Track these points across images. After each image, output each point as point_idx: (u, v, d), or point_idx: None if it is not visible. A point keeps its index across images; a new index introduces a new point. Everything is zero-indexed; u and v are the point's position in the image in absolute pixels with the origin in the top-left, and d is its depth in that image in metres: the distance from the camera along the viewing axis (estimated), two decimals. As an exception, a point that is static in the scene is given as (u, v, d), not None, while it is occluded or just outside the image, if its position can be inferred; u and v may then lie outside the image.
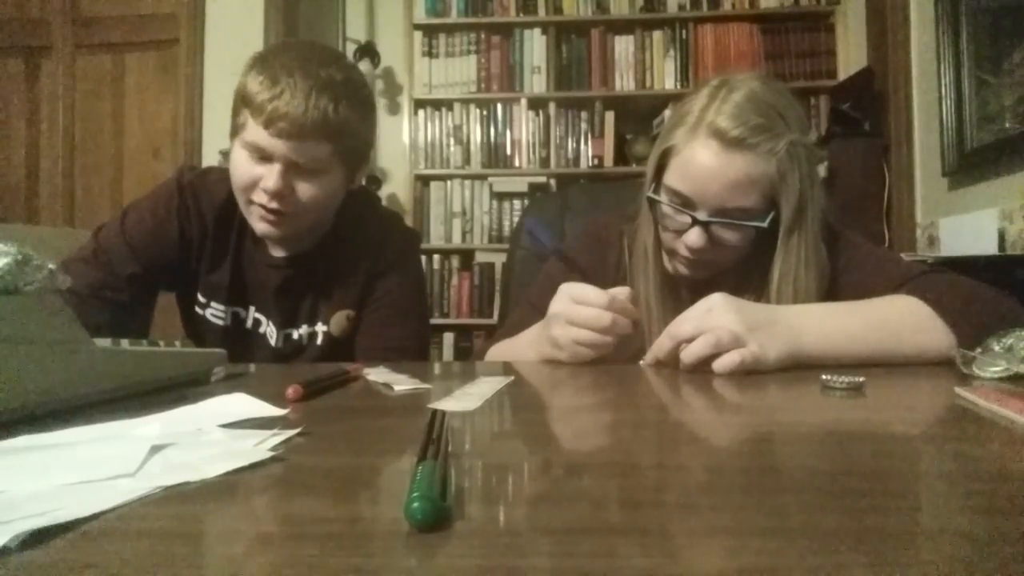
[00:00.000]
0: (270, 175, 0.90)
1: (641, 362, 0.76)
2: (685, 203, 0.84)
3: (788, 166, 0.81)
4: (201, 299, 1.04)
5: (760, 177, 0.80)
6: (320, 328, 1.06)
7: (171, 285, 1.06)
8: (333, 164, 0.95)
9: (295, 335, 1.06)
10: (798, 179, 0.81)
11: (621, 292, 0.75)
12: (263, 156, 0.91)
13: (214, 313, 1.04)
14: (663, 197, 0.86)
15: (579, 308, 0.74)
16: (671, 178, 0.85)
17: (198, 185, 1.03)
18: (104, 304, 0.95)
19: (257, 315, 1.06)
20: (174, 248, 1.01)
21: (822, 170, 2.35)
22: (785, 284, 0.84)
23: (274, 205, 0.92)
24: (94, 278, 0.96)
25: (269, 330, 1.05)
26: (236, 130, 0.94)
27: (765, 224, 0.82)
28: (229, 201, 1.02)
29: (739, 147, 0.79)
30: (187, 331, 1.10)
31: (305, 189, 0.93)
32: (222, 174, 1.05)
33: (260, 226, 0.95)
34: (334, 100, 0.91)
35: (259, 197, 0.93)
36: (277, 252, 1.05)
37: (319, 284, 1.05)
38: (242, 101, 0.92)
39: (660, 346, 0.72)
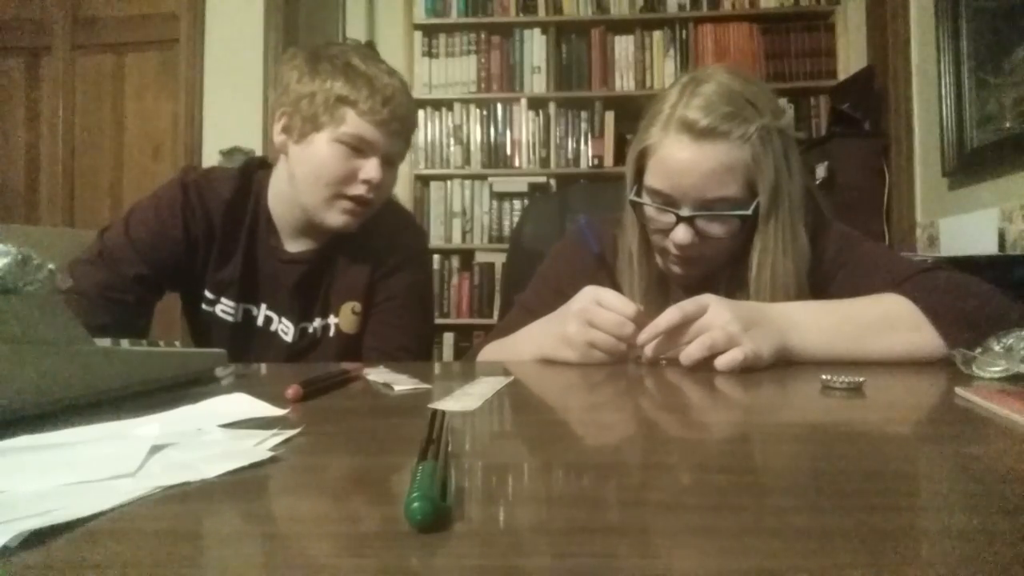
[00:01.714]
0: (371, 167, 0.98)
1: (640, 338, 0.74)
2: (667, 201, 0.84)
3: (761, 150, 0.80)
4: (209, 295, 1.05)
5: (736, 164, 0.80)
6: (332, 321, 1.07)
7: (177, 284, 1.07)
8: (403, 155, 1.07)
9: (310, 329, 1.07)
10: (771, 163, 0.81)
11: (641, 307, 0.76)
12: (359, 150, 0.98)
13: (224, 309, 1.05)
14: (646, 198, 0.86)
15: (602, 311, 0.74)
16: (651, 178, 0.85)
17: (203, 184, 1.04)
18: (110, 304, 0.96)
19: (269, 312, 1.07)
20: (179, 247, 1.02)
21: (821, 170, 2.36)
22: (763, 271, 0.84)
23: (371, 195, 1.00)
24: (100, 279, 0.96)
25: (282, 326, 1.06)
26: (318, 127, 0.98)
27: (749, 212, 0.82)
28: (236, 198, 1.04)
29: (710, 137, 0.79)
30: (192, 330, 1.10)
31: (388, 179, 1.03)
32: (226, 172, 1.07)
33: (342, 219, 1.01)
34: (412, 98, 1.03)
35: (357, 189, 0.99)
36: (293, 247, 1.06)
37: (331, 277, 1.07)
38: (338, 101, 0.97)
39: (661, 347, 0.72)
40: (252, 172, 1.08)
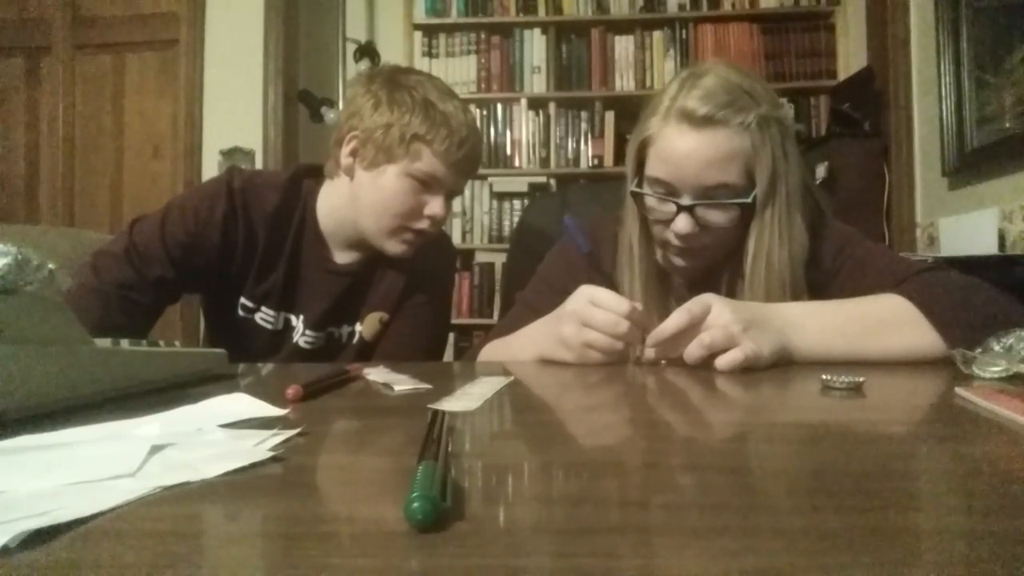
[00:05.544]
0: (437, 204, 1.00)
1: (647, 342, 0.75)
2: (668, 191, 0.84)
3: (759, 138, 0.81)
4: (248, 304, 1.04)
5: (735, 152, 0.81)
6: (357, 328, 1.09)
7: (202, 289, 1.06)
8: None
9: (336, 334, 1.08)
10: (769, 151, 0.82)
11: (637, 305, 0.76)
12: (428, 185, 0.99)
13: (264, 318, 1.05)
14: (646, 188, 0.87)
15: (596, 311, 0.74)
16: (651, 168, 0.86)
17: (249, 192, 1.02)
18: (127, 305, 0.94)
19: (301, 317, 1.07)
20: (213, 254, 1.00)
21: (822, 170, 2.36)
22: (759, 259, 0.84)
23: (433, 230, 1.02)
24: (122, 276, 0.94)
25: (308, 330, 1.07)
26: (391, 159, 0.98)
27: (749, 200, 0.82)
28: (282, 208, 1.03)
29: (709, 124, 0.80)
30: (216, 332, 1.10)
31: (448, 212, 1.04)
32: (272, 179, 1.06)
33: (401, 248, 1.02)
34: (480, 137, 1.05)
35: (421, 223, 1.01)
36: (342, 259, 1.07)
37: (369, 287, 1.09)
38: (414, 138, 0.97)
39: (664, 348, 0.72)
40: (300, 180, 1.07)
